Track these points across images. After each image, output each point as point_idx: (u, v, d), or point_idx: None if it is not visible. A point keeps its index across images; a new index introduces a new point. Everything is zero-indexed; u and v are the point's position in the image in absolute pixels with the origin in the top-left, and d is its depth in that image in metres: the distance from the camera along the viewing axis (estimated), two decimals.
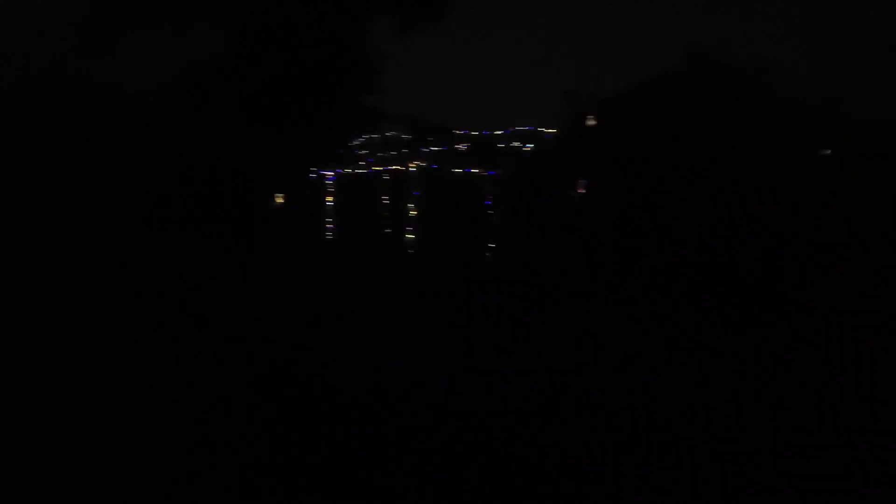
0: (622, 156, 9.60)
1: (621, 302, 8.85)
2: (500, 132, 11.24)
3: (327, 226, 11.34)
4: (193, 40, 10.49)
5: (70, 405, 6.09)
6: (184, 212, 9.93)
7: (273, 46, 10.69)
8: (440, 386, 6.74)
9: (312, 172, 11.26)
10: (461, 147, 11.14)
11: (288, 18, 10.66)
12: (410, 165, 11.19)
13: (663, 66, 9.76)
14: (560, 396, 6.49)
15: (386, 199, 11.14)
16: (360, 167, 11.50)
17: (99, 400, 6.26)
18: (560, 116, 10.70)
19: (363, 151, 11.85)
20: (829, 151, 9.38)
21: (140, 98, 10.29)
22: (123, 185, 9.74)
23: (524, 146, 10.94)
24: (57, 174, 9.58)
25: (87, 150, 9.75)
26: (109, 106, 10.10)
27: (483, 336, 8.26)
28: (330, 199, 11.26)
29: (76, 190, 9.62)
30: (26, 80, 9.97)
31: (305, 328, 8.31)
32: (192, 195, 10.01)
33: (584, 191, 9.95)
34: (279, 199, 10.98)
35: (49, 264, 8.98)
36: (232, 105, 10.48)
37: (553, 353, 7.59)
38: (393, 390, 6.57)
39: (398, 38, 11.01)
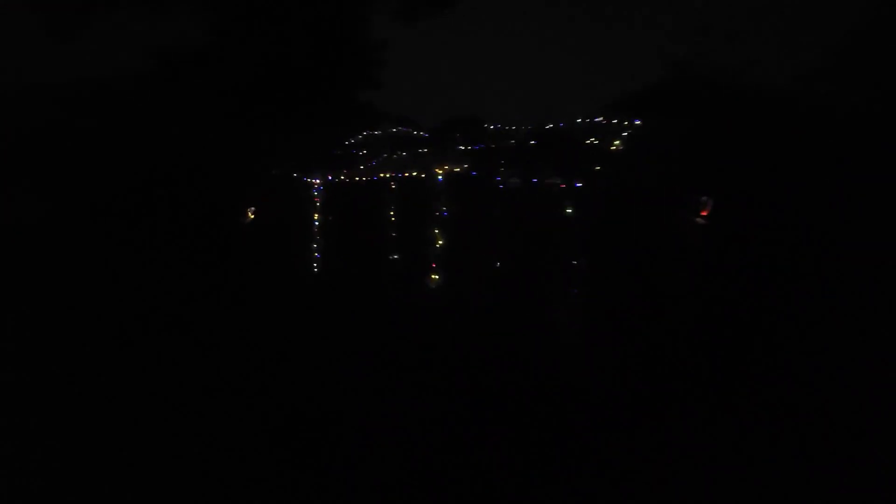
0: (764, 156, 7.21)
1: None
2: (554, 125, 9.17)
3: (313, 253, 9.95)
4: (170, 24, 10.03)
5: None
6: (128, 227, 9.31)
7: (259, 31, 10.15)
8: None
9: (294, 178, 10.05)
10: (509, 144, 8.66)
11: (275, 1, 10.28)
12: (438, 171, 9.04)
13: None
14: None
15: (393, 216, 9.56)
16: (359, 172, 10.01)
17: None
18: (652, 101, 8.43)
19: (362, 152, 10.38)
20: None
21: (109, 89, 9.88)
22: (68, 189, 9.31)
23: (612, 143, 7.74)
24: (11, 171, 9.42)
25: (46, 144, 9.48)
26: (76, 96, 9.71)
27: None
28: (317, 215, 9.89)
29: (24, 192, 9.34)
30: None
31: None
32: (139, 206, 9.31)
33: (708, 211, 7.28)
34: (249, 215, 9.81)
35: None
36: (210, 98, 9.94)
37: None
38: None
39: (404, 24, 10.05)
